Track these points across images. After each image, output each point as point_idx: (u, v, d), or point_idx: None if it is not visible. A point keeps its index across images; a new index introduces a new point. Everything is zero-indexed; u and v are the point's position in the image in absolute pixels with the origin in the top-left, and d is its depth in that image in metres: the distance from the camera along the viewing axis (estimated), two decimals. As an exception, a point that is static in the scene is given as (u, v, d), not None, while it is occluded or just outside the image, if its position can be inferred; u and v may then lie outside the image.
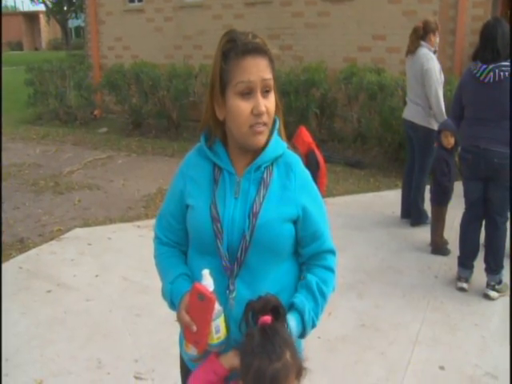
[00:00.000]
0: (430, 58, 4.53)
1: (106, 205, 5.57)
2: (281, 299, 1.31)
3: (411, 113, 4.76)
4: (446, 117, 4.44)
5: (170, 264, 1.51)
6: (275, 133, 1.44)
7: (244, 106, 1.33)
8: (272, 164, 1.43)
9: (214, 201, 1.40)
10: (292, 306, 1.41)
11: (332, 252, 1.49)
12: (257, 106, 1.33)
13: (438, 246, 4.31)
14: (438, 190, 4.29)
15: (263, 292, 1.32)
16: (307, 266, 1.48)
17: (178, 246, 1.53)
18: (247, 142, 1.38)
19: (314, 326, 1.44)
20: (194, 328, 1.31)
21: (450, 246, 4.28)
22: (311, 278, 1.44)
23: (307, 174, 1.47)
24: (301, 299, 1.42)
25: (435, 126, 4.52)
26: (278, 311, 1.27)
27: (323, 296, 1.44)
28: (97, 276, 3.94)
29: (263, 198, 1.39)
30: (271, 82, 1.36)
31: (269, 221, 1.37)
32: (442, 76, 4.62)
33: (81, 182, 6.38)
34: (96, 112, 10.38)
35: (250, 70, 1.32)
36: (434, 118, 4.56)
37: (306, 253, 1.47)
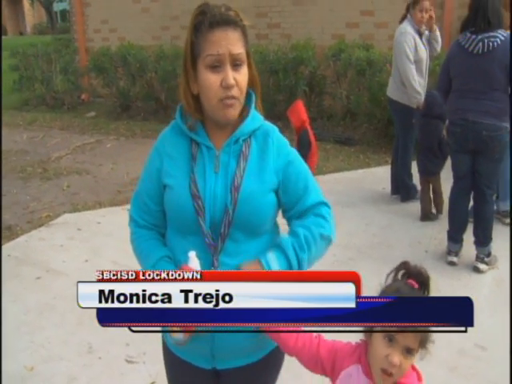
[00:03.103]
0: (403, 32, 4.45)
1: (95, 189, 5.53)
2: None
3: (389, 88, 4.77)
4: (419, 92, 4.40)
5: (150, 247, 1.47)
6: (253, 106, 1.42)
7: (213, 79, 1.31)
8: (250, 137, 1.42)
9: (194, 177, 1.37)
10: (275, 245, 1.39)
11: (322, 203, 1.45)
12: (225, 79, 1.30)
13: (426, 213, 4.41)
14: (438, 161, 4.32)
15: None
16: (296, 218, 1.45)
17: (156, 228, 1.50)
18: (218, 115, 1.36)
19: (300, 260, 1.37)
20: None
21: (439, 217, 4.35)
22: (297, 228, 1.40)
23: (284, 139, 1.47)
24: (285, 238, 1.40)
25: (411, 102, 4.48)
26: (425, 284, 1.30)
27: (310, 233, 1.38)
28: (86, 261, 3.91)
29: (243, 170, 1.37)
30: (242, 56, 1.33)
31: (251, 193, 1.36)
32: (421, 53, 4.49)
33: (69, 167, 6.33)
34: (83, 96, 10.24)
35: (218, 43, 1.29)
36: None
37: (293, 214, 1.44)
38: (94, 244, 4.19)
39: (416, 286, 1.28)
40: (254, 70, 1.41)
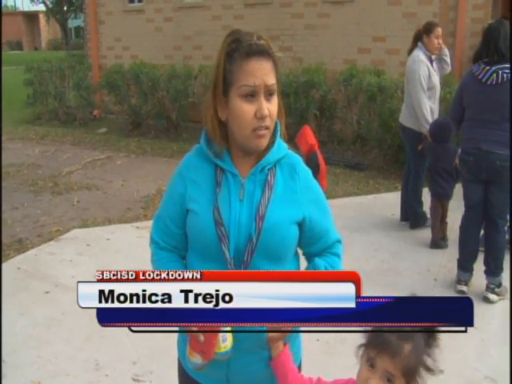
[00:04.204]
0: (416, 60, 4.49)
1: (105, 205, 5.56)
2: None
3: (402, 114, 4.81)
4: (429, 120, 4.43)
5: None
6: (278, 135, 1.43)
7: (248, 109, 1.31)
8: (275, 165, 1.42)
9: (218, 204, 1.37)
10: None
11: (338, 241, 1.51)
12: (260, 110, 1.31)
13: (436, 240, 4.40)
14: (453, 182, 4.36)
15: None
16: (315, 254, 1.50)
17: (177, 250, 1.50)
18: (249, 144, 1.36)
19: None
20: (202, 338, 1.29)
21: (449, 245, 4.33)
22: (319, 262, 1.46)
23: (309, 172, 1.48)
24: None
25: (421, 128, 4.51)
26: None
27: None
28: (95, 277, 3.91)
29: (268, 200, 1.37)
30: (275, 87, 1.34)
31: (275, 224, 1.36)
32: (434, 80, 4.54)
33: (80, 182, 6.37)
34: (95, 112, 10.36)
35: (254, 74, 1.30)
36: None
37: (313, 250, 1.49)
38: (102, 260, 4.20)
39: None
40: (280, 98, 1.41)
